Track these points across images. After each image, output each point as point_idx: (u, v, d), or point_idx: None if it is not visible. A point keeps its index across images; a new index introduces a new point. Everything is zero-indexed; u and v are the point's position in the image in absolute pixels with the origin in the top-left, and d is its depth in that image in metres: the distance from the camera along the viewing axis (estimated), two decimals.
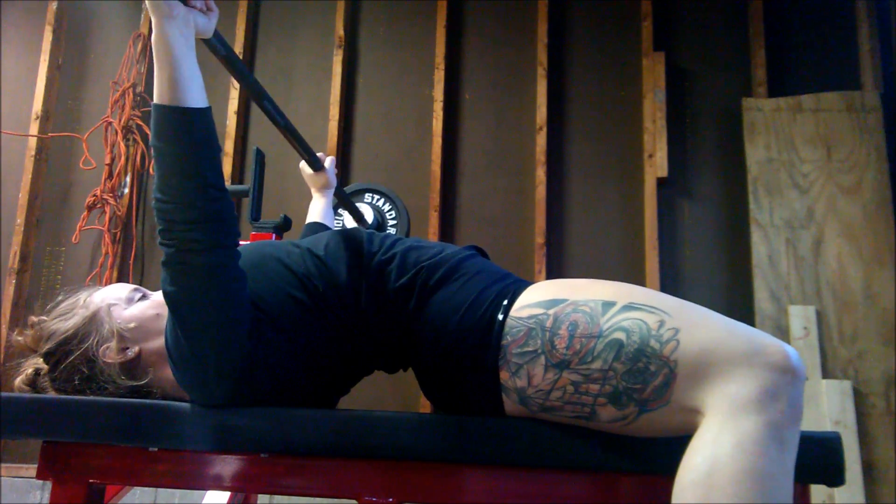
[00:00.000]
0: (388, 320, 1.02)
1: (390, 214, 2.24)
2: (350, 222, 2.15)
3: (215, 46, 1.05)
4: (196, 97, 0.93)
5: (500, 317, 0.93)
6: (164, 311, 1.09)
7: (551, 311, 0.90)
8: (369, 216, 2.14)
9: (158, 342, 1.04)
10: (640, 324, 0.84)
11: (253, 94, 1.23)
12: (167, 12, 0.92)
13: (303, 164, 1.69)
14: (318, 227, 1.61)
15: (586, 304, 0.88)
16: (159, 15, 0.92)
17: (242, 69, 1.14)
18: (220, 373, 0.93)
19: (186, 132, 0.92)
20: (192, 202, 0.91)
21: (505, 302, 0.94)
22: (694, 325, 0.83)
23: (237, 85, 3.02)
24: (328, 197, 1.73)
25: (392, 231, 2.22)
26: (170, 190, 0.91)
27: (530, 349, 0.89)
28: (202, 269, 0.91)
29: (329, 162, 1.71)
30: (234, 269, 0.95)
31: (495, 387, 0.93)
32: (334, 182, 1.73)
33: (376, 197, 2.26)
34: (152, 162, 3.12)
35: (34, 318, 1.10)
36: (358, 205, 2.15)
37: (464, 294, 0.97)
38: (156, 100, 0.93)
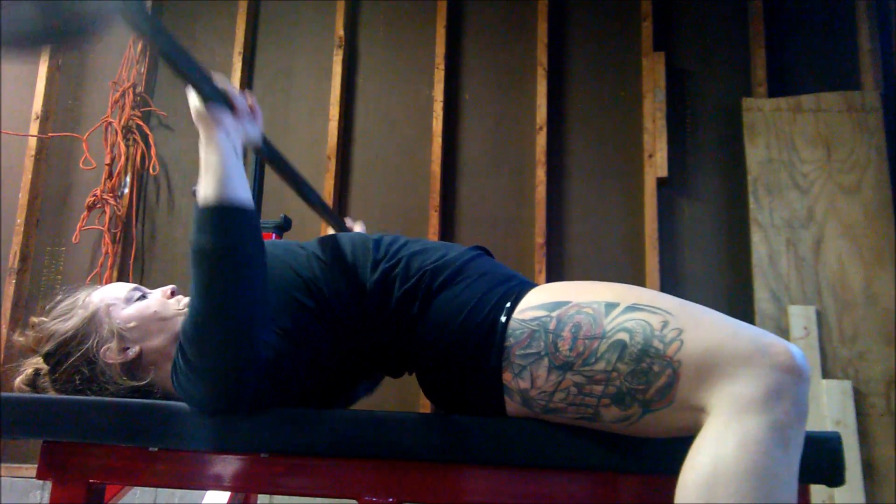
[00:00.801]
0: (393, 325, 1.02)
1: None
2: None
3: (262, 151, 1.06)
4: (245, 197, 0.92)
5: (504, 319, 0.93)
6: (164, 309, 1.09)
7: (554, 314, 0.90)
8: None
9: (159, 341, 1.04)
10: (644, 324, 0.84)
11: (294, 185, 1.22)
12: (217, 121, 0.92)
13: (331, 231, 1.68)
14: None
15: (589, 306, 0.88)
16: (208, 124, 0.92)
17: (290, 169, 1.14)
18: (227, 392, 0.93)
19: (237, 229, 0.90)
20: (236, 306, 0.88)
21: (508, 304, 0.94)
22: (697, 325, 0.83)
23: (237, 84, 3.02)
24: None
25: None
26: (214, 296, 0.87)
27: (533, 351, 0.89)
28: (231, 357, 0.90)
29: (360, 229, 1.69)
30: (261, 328, 0.93)
31: (498, 388, 0.93)
32: None
33: None
34: (152, 162, 3.11)
35: (34, 319, 1.10)
36: None
37: (467, 296, 0.97)
38: (202, 201, 0.90)
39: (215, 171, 0.91)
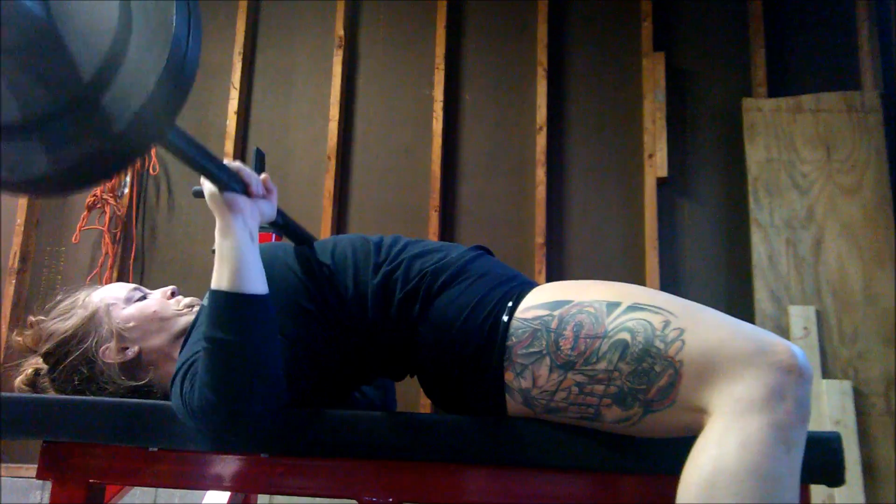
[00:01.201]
0: (394, 328, 1.02)
1: None
2: None
3: (279, 225, 1.05)
4: (260, 288, 0.90)
5: (505, 318, 0.93)
6: (164, 309, 1.09)
7: (556, 313, 0.89)
8: None
9: (158, 341, 1.04)
10: (645, 324, 0.84)
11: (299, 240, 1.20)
12: (235, 208, 0.90)
13: None
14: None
15: (591, 305, 0.88)
16: (223, 210, 0.90)
17: (299, 231, 1.12)
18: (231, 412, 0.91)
19: (251, 320, 0.87)
20: (251, 397, 0.85)
21: (510, 304, 0.94)
22: (699, 325, 0.82)
23: (237, 85, 3.02)
24: None
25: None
26: (231, 384, 0.85)
27: (535, 350, 0.89)
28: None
29: None
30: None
31: (499, 387, 0.93)
32: None
33: None
34: (152, 162, 3.11)
35: (33, 318, 1.10)
36: None
37: (468, 296, 0.97)
38: (218, 288, 0.89)
39: (230, 261, 0.89)
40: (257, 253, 0.92)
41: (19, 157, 0.57)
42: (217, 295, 0.88)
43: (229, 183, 0.89)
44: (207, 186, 0.91)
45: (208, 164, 0.81)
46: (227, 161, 0.90)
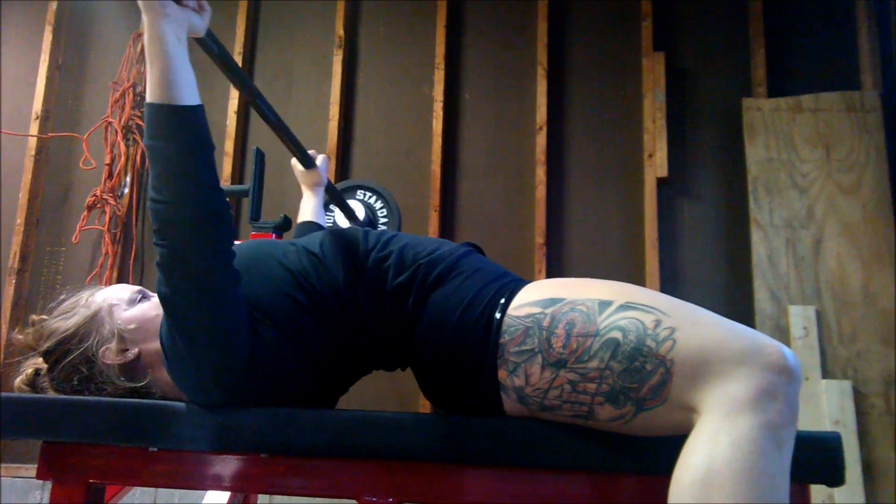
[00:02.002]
0: (387, 319, 1.02)
1: (382, 212, 2.23)
2: (341, 219, 2.15)
3: (208, 45, 1.05)
4: (188, 95, 0.93)
5: (498, 315, 0.93)
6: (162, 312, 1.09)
7: (548, 310, 0.90)
8: (360, 213, 2.14)
9: (158, 343, 1.04)
10: (637, 323, 0.84)
11: (245, 93, 1.23)
12: (160, 11, 0.92)
13: (294, 162, 1.69)
14: (310, 227, 1.60)
15: (583, 304, 0.88)
16: (152, 14, 0.92)
17: (235, 68, 1.14)
18: (216, 373, 0.93)
19: (180, 130, 0.92)
20: (185, 201, 0.91)
21: (503, 300, 0.94)
22: (690, 324, 0.83)
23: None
24: (319, 195, 1.73)
25: (383, 227, 2.22)
26: (164, 189, 0.91)
27: (527, 348, 0.89)
28: (196, 268, 0.91)
29: (321, 160, 1.70)
30: (229, 269, 0.94)
31: (494, 385, 0.93)
32: (325, 179, 1.73)
33: (368, 194, 2.26)
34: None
35: (35, 317, 1.10)
36: (349, 202, 2.14)
37: (462, 292, 0.97)
38: (148, 98, 0.93)
39: (159, 67, 0.92)
40: (186, 61, 0.95)
41: None
42: (149, 107, 0.92)
43: None
44: None
45: None
46: None
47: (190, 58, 0.95)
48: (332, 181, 2.90)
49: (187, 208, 0.91)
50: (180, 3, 0.95)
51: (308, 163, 1.63)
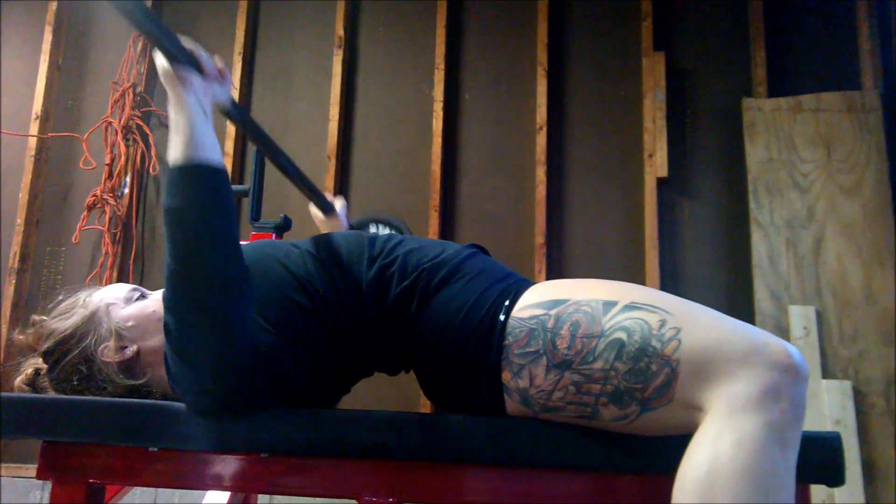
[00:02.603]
0: (390, 324, 1.02)
1: None
2: None
3: (232, 114, 1.07)
4: (212, 156, 0.92)
5: (502, 317, 0.93)
6: (162, 309, 1.09)
7: (553, 312, 0.89)
8: None
9: (157, 341, 1.04)
10: (642, 323, 0.84)
11: (269, 152, 1.23)
12: (185, 83, 0.92)
13: (313, 210, 1.67)
14: None
15: (588, 304, 0.88)
16: (176, 85, 0.92)
17: (258, 130, 1.15)
18: (220, 398, 0.93)
19: (202, 189, 0.90)
20: (206, 269, 0.88)
21: (507, 302, 0.94)
22: (695, 324, 0.83)
23: (237, 85, 3.02)
24: None
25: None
26: (182, 255, 0.88)
27: (532, 349, 0.89)
28: (212, 340, 0.89)
29: (340, 206, 1.69)
30: (245, 334, 0.91)
31: (497, 387, 0.93)
32: (346, 224, 1.72)
33: (383, 227, 2.25)
34: (152, 162, 3.12)
35: (36, 318, 1.10)
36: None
37: (465, 295, 0.97)
38: (172, 162, 0.91)
39: (183, 132, 0.91)
40: (211, 129, 0.95)
41: None
42: (171, 168, 0.91)
43: (180, 57, 0.92)
44: (160, 61, 0.93)
45: (159, 33, 0.84)
46: (181, 37, 0.93)
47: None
48: (333, 182, 2.90)
49: (207, 277, 0.88)
50: (203, 75, 0.96)
51: (328, 209, 1.63)
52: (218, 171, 0.92)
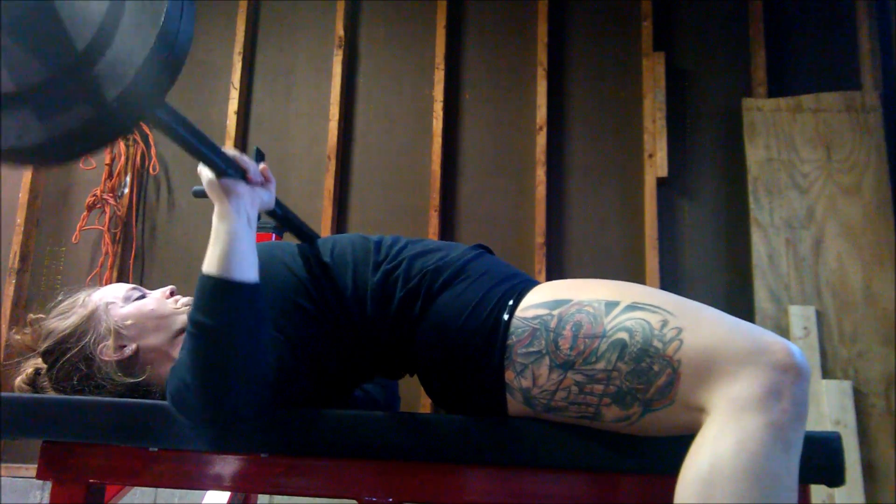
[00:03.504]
0: (394, 327, 1.02)
1: None
2: None
3: (276, 213, 1.05)
4: (249, 272, 0.89)
5: (506, 317, 0.93)
6: (162, 308, 1.09)
7: (555, 312, 0.89)
8: None
9: (155, 339, 1.04)
10: (644, 324, 0.84)
11: (309, 240, 1.19)
12: (232, 192, 0.90)
13: None
14: None
15: (590, 305, 0.88)
16: (220, 196, 0.90)
17: (300, 224, 1.13)
18: (232, 416, 0.92)
19: (240, 308, 0.86)
20: (229, 387, 0.85)
21: (510, 302, 0.94)
22: (697, 324, 0.83)
23: (237, 85, 3.02)
24: None
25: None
26: (199, 374, 0.85)
27: (535, 350, 0.89)
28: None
29: None
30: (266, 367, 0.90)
31: (500, 387, 0.93)
32: None
33: None
34: (152, 162, 3.10)
35: (33, 317, 1.10)
36: None
37: (469, 295, 0.97)
38: (206, 272, 0.88)
39: (223, 244, 0.88)
40: (253, 241, 0.92)
41: (14, 126, 0.59)
42: (204, 279, 0.87)
43: (226, 168, 0.89)
44: (206, 173, 0.91)
45: (204, 148, 0.82)
46: (226, 148, 0.91)
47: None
48: (333, 182, 2.90)
49: (229, 394, 0.85)
50: (249, 182, 0.93)
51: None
52: (254, 288, 0.89)
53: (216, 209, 0.91)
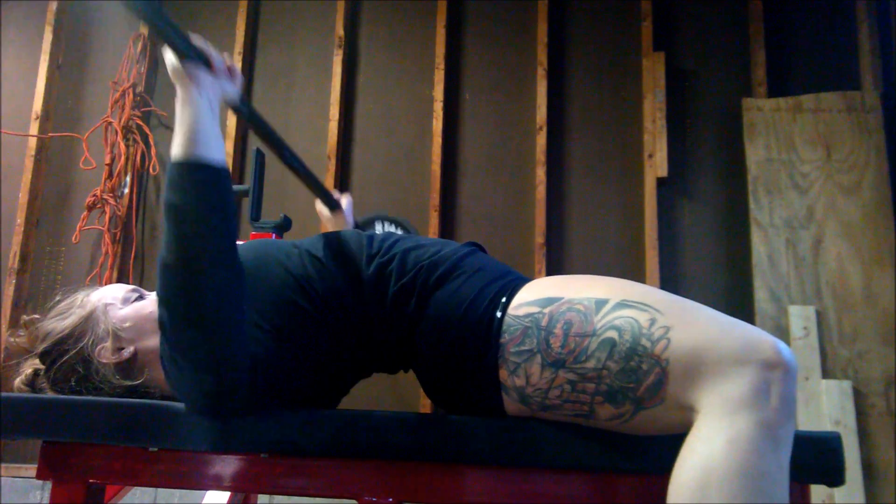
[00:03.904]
0: (389, 322, 1.02)
1: None
2: None
3: (241, 110, 1.07)
4: (215, 155, 0.92)
5: (499, 314, 0.93)
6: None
7: (546, 310, 0.90)
8: None
9: (154, 342, 1.04)
10: (632, 322, 0.84)
11: (275, 149, 1.23)
12: (194, 80, 0.93)
13: (319, 206, 1.66)
14: None
15: (580, 303, 0.88)
16: (185, 82, 0.92)
17: (265, 126, 1.15)
18: (217, 397, 0.92)
19: (202, 187, 0.89)
20: (200, 269, 0.87)
21: (503, 299, 0.94)
22: (685, 322, 0.82)
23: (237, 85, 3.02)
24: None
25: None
26: (177, 252, 0.87)
27: (527, 348, 0.89)
28: (206, 342, 0.88)
29: (346, 203, 1.67)
30: (240, 339, 0.91)
31: (495, 385, 0.93)
32: (352, 223, 1.70)
33: (388, 224, 2.25)
34: (152, 162, 3.11)
35: (26, 318, 1.10)
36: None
37: (464, 292, 0.97)
38: (174, 157, 0.91)
39: (188, 128, 0.91)
40: (217, 125, 0.95)
41: None
42: (171, 164, 0.91)
43: (189, 53, 0.93)
44: (170, 58, 0.94)
45: (169, 30, 0.85)
46: (193, 35, 0.94)
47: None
48: (333, 182, 2.90)
49: (201, 276, 0.87)
50: (213, 72, 0.96)
51: (333, 206, 1.62)
52: (219, 171, 0.92)
53: (179, 96, 0.93)
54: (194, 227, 0.88)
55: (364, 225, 2.19)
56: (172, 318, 0.89)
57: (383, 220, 2.25)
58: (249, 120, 1.11)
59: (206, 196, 0.89)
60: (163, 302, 0.90)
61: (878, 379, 2.40)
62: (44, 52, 3.13)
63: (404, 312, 1.01)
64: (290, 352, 0.98)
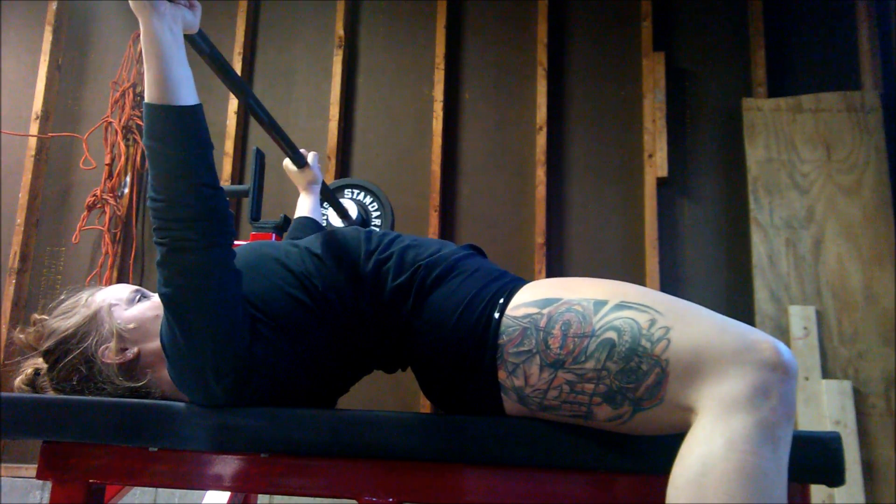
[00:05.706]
0: (387, 319, 1.02)
1: (375, 210, 2.23)
2: (334, 217, 2.15)
3: (199, 44, 1.06)
4: (186, 94, 0.94)
5: (497, 315, 0.93)
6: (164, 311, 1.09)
7: (545, 311, 0.90)
8: (353, 212, 2.14)
9: (157, 343, 1.04)
10: (632, 323, 0.84)
11: (236, 91, 1.23)
12: (153, 10, 0.93)
13: (287, 163, 1.70)
14: (307, 223, 1.62)
15: (579, 304, 0.88)
16: (145, 13, 0.93)
17: (225, 66, 1.14)
18: (217, 373, 0.93)
19: (178, 130, 0.92)
20: (184, 201, 0.91)
21: (501, 300, 0.94)
22: (685, 323, 0.83)
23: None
24: (315, 193, 1.74)
25: (376, 226, 2.21)
26: (163, 189, 0.92)
27: (525, 349, 0.89)
28: (196, 267, 0.91)
29: (312, 157, 1.70)
30: (229, 267, 0.94)
31: (494, 386, 0.93)
32: (320, 177, 1.74)
33: (359, 192, 2.25)
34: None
35: (36, 316, 1.10)
36: (341, 200, 2.14)
37: (462, 292, 0.98)
38: (147, 99, 0.94)
39: (156, 69, 0.92)
40: (183, 58, 0.96)
41: None
42: (147, 107, 0.93)
43: None
44: None
45: None
46: None
47: (189, 59, 0.96)
48: (333, 181, 2.90)
49: (185, 208, 0.91)
50: (173, 0, 0.96)
51: (300, 162, 1.64)
52: (187, 110, 0.93)
53: (142, 29, 0.94)
54: (175, 168, 0.92)
55: (335, 190, 2.19)
56: (167, 255, 0.92)
57: (356, 187, 2.25)
58: (209, 56, 1.10)
59: (181, 137, 0.92)
60: (157, 241, 0.93)
61: (878, 379, 2.40)
62: (44, 52, 3.13)
63: (401, 311, 1.01)
64: (289, 347, 0.99)
